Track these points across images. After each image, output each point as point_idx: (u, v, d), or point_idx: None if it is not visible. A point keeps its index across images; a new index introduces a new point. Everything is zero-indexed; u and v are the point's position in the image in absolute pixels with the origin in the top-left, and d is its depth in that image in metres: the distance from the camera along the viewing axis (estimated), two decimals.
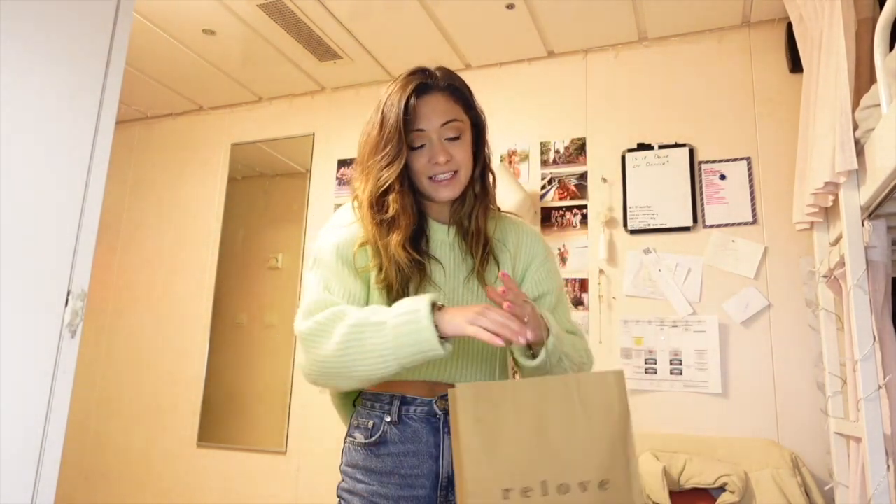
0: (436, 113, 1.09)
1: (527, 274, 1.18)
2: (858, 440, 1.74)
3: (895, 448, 1.54)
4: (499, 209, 1.23)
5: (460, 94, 1.13)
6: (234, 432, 3.21)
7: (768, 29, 2.70)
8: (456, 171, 1.10)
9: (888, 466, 1.51)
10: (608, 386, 0.89)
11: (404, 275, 1.05)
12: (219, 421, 3.25)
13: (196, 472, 3.20)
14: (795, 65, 2.46)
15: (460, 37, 2.89)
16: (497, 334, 0.89)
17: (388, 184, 1.06)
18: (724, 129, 2.69)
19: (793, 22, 2.22)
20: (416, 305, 0.94)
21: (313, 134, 3.38)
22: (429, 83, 1.10)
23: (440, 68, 1.14)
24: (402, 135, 1.06)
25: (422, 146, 1.09)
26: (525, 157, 2.98)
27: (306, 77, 3.28)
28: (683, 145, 2.71)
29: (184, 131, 3.75)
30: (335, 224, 1.14)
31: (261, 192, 3.53)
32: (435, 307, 0.95)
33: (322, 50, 3.00)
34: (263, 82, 3.40)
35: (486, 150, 1.18)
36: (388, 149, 1.06)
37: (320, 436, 2.96)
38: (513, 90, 3.06)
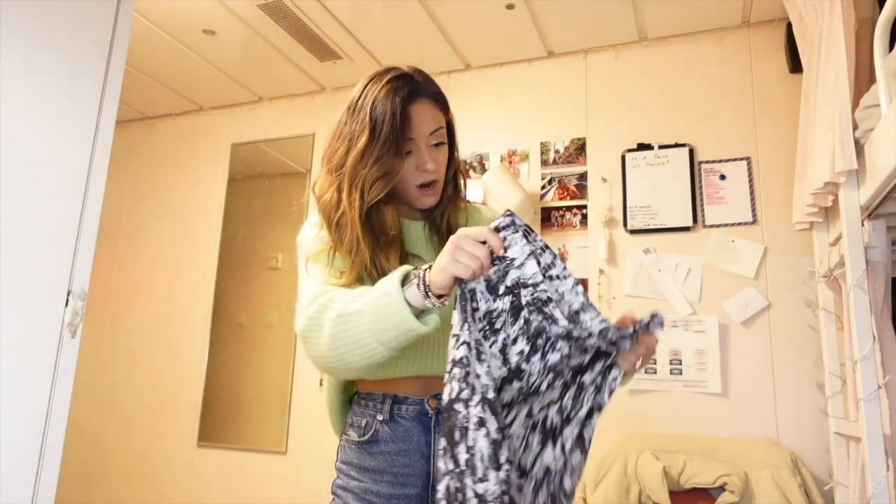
0: (425, 121, 1.09)
1: None
2: (858, 440, 1.74)
3: (895, 448, 1.54)
4: (466, 201, 1.24)
5: (443, 100, 1.14)
6: (234, 432, 3.21)
7: (768, 29, 2.70)
8: (437, 181, 1.11)
9: (888, 466, 1.51)
10: None
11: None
12: (219, 421, 3.25)
13: (196, 472, 3.20)
14: (795, 65, 2.46)
15: (460, 37, 2.89)
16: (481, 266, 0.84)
17: (379, 198, 1.06)
18: (724, 129, 2.69)
19: (793, 22, 2.22)
20: (387, 287, 0.88)
21: (313, 134, 3.38)
22: (417, 89, 1.09)
23: (417, 70, 1.13)
24: (399, 148, 1.05)
25: (408, 153, 1.08)
26: (525, 157, 2.98)
27: (306, 77, 3.28)
28: (683, 145, 2.71)
29: (184, 131, 3.75)
30: (313, 228, 1.15)
31: (261, 192, 3.53)
32: (410, 279, 0.88)
33: (322, 50, 3.00)
34: (263, 82, 3.40)
35: (457, 152, 1.19)
36: (382, 160, 1.04)
37: (320, 436, 2.96)
38: (513, 90, 3.06)
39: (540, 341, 0.84)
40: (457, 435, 0.77)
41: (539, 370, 0.84)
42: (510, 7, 2.64)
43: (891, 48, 1.53)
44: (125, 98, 3.55)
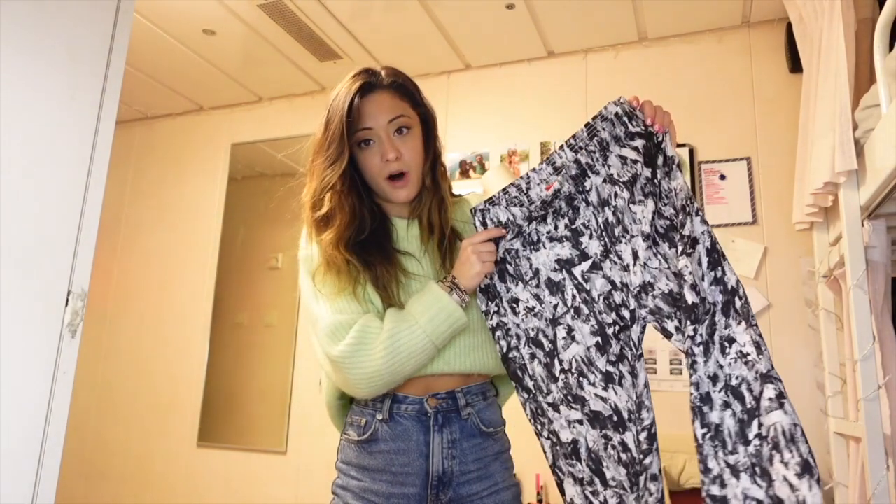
0: (381, 111, 1.10)
1: None
2: (858, 440, 1.74)
3: (895, 448, 1.54)
4: (455, 195, 1.26)
5: (406, 91, 1.15)
6: (234, 432, 3.21)
7: (768, 29, 2.70)
8: (407, 172, 1.12)
9: (888, 466, 1.51)
10: None
11: (346, 274, 1.07)
12: (219, 421, 3.25)
13: (196, 472, 3.20)
14: (795, 65, 2.46)
15: (460, 37, 2.89)
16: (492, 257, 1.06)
17: (330, 184, 1.09)
18: (724, 129, 2.68)
19: (792, 22, 2.22)
20: (433, 295, 1.03)
21: (313, 134, 3.38)
22: (372, 82, 1.12)
23: (386, 67, 1.16)
24: (344, 135, 1.08)
25: (371, 145, 1.10)
26: (525, 157, 2.98)
27: (306, 77, 3.28)
28: (683, 145, 2.71)
29: (184, 131, 3.75)
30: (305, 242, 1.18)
31: (261, 192, 3.53)
32: (444, 288, 1.04)
33: (322, 50, 3.00)
34: (263, 82, 3.40)
35: (437, 144, 1.20)
36: (331, 149, 1.09)
37: (320, 436, 2.95)
38: (513, 90, 3.06)
39: (576, 202, 1.06)
40: (519, 373, 1.06)
41: (592, 212, 1.06)
42: (510, 7, 2.64)
43: (891, 48, 1.53)
44: (125, 98, 3.55)
